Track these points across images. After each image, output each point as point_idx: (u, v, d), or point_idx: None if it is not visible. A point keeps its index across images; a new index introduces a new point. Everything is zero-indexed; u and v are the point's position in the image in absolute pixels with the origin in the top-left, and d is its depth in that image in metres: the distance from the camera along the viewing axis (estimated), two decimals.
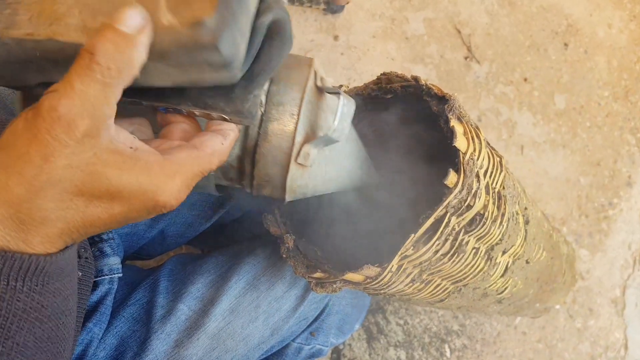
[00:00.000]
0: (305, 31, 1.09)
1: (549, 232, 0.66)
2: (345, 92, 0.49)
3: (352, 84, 0.83)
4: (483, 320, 1.01)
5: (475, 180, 0.42)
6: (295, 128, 0.36)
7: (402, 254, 0.42)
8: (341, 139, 0.36)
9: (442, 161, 0.42)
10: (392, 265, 0.43)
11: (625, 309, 1.03)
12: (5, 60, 0.26)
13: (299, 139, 0.36)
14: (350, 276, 0.44)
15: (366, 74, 1.09)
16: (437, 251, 0.43)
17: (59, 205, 0.24)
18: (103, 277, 0.50)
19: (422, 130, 0.49)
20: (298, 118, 0.36)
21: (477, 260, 0.48)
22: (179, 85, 0.28)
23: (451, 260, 0.45)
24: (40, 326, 0.26)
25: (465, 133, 0.42)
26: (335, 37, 1.10)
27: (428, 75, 1.10)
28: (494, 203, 0.45)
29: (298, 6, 1.07)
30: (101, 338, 0.49)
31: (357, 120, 0.53)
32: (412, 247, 0.42)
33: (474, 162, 0.41)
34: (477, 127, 0.45)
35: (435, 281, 0.49)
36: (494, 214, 0.45)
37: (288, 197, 0.39)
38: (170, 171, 0.27)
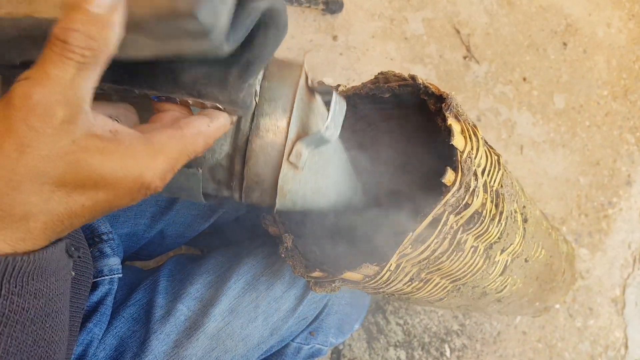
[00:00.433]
0: (304, 31, 1.09)
1: (548, 231, 0.66)
2: (342, 91, 0.49)
3: (351, 84, 0.83)
4: (483, 320, 1.01)
5: (473, 178, 0.42)
6: (288, 124, 0.35)
7: (400, 252, 0.42)
8: (333, 139, 0.36)
9: (440, 160, 0.42)
10: (391, 264, 0.43)
11: (625, 308, 1.03)
12: None
13: (291, 135, 0.36)
14: (348, 275, 0.44)
15: (365, 74, 1.09)
16: (435, 250, 0.43)
17: (40, 198, 0.23)
18: (103, 278, 0.50)
19: (419, 129, 0.49)
20: (291, 114, 0.35)
21: (475, 258, 0.48)
22: (161, 58, 0.27)
23: (450, 259, 0.45)
24: (23, 330, 0.25)
25: (462, 131, 0.42)
26: (334, 38, 1.10)
27: (427, 75, 1.10)
28: (492, 201, 0.45)
29: (297, 6, 1.07)
30: (101, 338, 0.49)
31: (354, 120, 0.53)
32: (410, 246, 0.42)
33: (471, 161, 0.41)
34: (475, 126, 0.45)
35: (434, 280, 0.49)
36: (492, 213, 0.46)
37: (278, 202, 0.38)
38: (152, 151, 0.26)
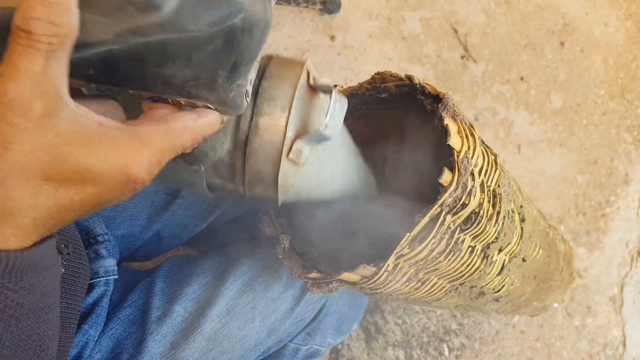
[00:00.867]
0: (302, 31, 1.09)
1: (545, 230, 0.66)
2: (339, 91, 0.49)
3: (349, 84, 0.83)
4: (481, 319, 1.01)
5: (470, 178, 0.42)
6: (287, 123, 0.36)
7: (397, 253, 0.42)
8: (333, 136, 0.36)
9: (437, 160, 0.42)
10: (388, 265, 0.43)
11: (623, 307, 1.03)
12: None
13: (290, 134, 0.36)
14: (346, 276, 0.44)
15: (363, 74, 1.09)
16: (432, 250, 0.43)
17: (28, 193, 0.23)
18: (99, 279, 0.50)
19: (416, 129, 0.49)
20: (289, 113, 0.36)
21: (473, 258, 0.48)
22: (122, 38, 0.26)
23: (447, 259, 0.45)
24: (18, 324, 0.25)
25: (459, 131, 0.42)
26: (332, 37, 1.10)
27: (425, 75, 1.10)
28: (489, 201, 0.45)
29: (294, 6, 1.07)
30: (97, 340, 0.49)
31: (352, 120, 0.53)
32: (407, 246, 0.42)
33: (468, 161, 0.41)
34: (472, 126, 0.45)
35: (432, 280, 0.49)
36: (489, 212, 0.45)
37: (281, 197, 0.39)
38: (137, 143, 0.26)
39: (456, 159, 0.41)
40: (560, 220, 1.06)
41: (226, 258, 0.56)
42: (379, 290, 0.48)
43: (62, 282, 0.41)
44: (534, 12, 1.15)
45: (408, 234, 0.41)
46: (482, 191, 0.44)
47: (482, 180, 0.44)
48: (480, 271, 0.50)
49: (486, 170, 0.45)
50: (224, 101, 0.30)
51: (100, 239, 0.50)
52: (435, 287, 0.51)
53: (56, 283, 0.29)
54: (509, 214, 0.49)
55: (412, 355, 0.98)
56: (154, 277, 0.54)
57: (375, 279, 0.44)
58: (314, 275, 0.46)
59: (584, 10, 1.16)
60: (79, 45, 0.24)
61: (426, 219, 0.41)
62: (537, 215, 0.63)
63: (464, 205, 0.42)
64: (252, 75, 0.33)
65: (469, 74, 1.11)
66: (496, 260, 0.52)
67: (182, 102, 0.30)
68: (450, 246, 0.44)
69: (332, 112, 0.35)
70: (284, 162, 0.37)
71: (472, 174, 0.42)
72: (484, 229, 0.46)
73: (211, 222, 0.62)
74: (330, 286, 0.47)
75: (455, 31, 1.12)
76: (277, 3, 1.02)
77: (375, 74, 0.47)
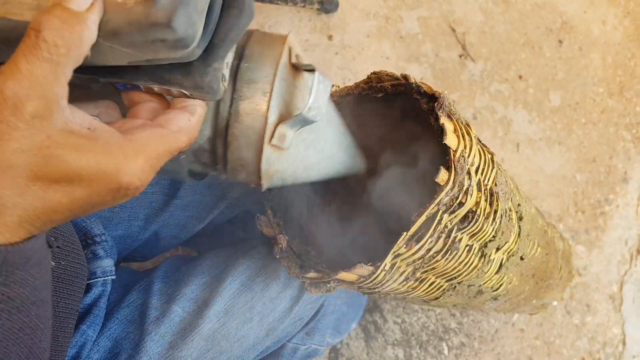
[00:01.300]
0: (300, 31, 1.09)
1: (544, 228, 0.66)
2: (335, 92, 0.49)
3: (347, 84, 0.83)
4: (480, 318, 1.01)
5: (466, 177, 0.42)
6: (268, 107, 0.34)
7: (395, 252, 0.42)
8: (318, 119, 0.34)
9: (434, 159, 0.42)
10: (385, 264, 0.43)
11: (622, 305, 1.03)
12: None
13: (272, 118, 0.34)
14: (343, 275, 0.44)
15: (361, 74, 1.09)
16: (430, 249, 0.43)
17: (14, 192, 0.23)
18: (96, 280, 0.50)
19: (413, 128, 0.49)
20: (270, 96, 0.34)
21: (470, 257, 0.48)
22: (135, 64, 0.27)
23: (444, 258, 0.45)
24: (9, 318, 0.26)
25: (455, 130, 0.42)
26: (330, 37, 1.10)
27: (423, 74, 1.10)
28: (486, 200, 0.45)
29: (292, 6, 1.07)
30: (95, 340, 0.49)
31: (350, 120, 0.53)
32: (404, 245, 0.42)
33: (464, 160, 0.41)
34: (468, 124, 0.45)
35: (430, 279, 0.49)
36: (487, 211, 0.45)
37: (265, 183, 0.37)
38: (132, 151, 0.26)
39: (452, 158, 0.41)
40: (559, 218, 1.06)
41: (224, 258, 0.56)
42: (376, 290, 0.48)
43: (59, 283, 0.41)
44: (532, 11, 1.15)
45: (405, 233, 0.41)
46: (479, 190, 0.44)
47: (479, 179, 0.44)
48: (478, 270, 0.50)
49: (483, 169, 0.45)
50: (199, 86, 0.29)
51: (97, 239, 0.50)
52: (432, 286, 0.51)
53: (47, 277, 0.29)
54: (506, 212, 0.49)
55: (411, 354, 0.98)
56: (152, 277, 0.54)
57: (372, 278, 0.44)
58: (311, 275, 0.46)
59: (582, 9, 1.16)
60: (86, 65, 0.25)
61: (423, 218, 0.41)
62: (535, 213, 0.63)
63: (461, 204, 0.42)
64: (229, 58, 0.31)
65: (467, 73, 1.11)
66: (494, 259, 0.52)
67: (155, 89, 0.29)
68: (447, 245, 0.44)
69: (316, 94, 0.33)
70: (266, 148, 0.35)
71: (469, 173, 0.42)
72: (481, 228, 0.46)
73: (209, 222, 0.62)
74: (328, 286, 0.47)
75: (453, 30, 1.12)
76: (275, 3, 1.02)
77: (372, 73, 0.47)
